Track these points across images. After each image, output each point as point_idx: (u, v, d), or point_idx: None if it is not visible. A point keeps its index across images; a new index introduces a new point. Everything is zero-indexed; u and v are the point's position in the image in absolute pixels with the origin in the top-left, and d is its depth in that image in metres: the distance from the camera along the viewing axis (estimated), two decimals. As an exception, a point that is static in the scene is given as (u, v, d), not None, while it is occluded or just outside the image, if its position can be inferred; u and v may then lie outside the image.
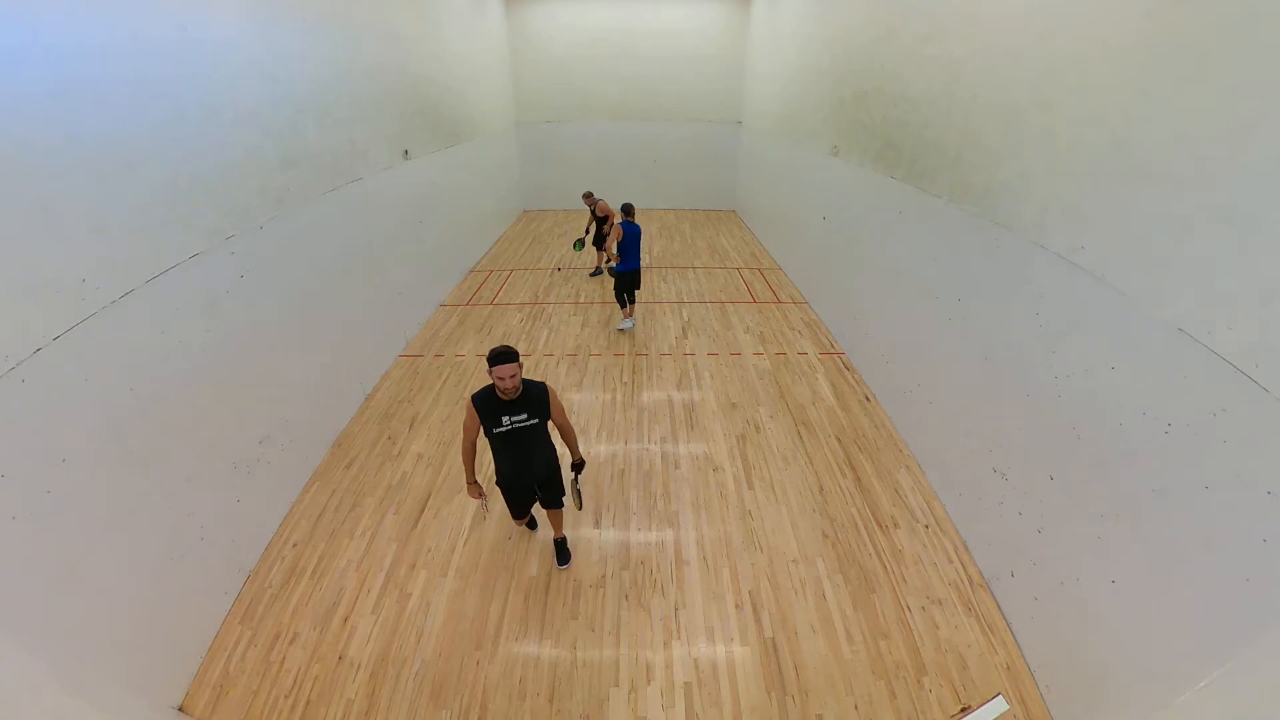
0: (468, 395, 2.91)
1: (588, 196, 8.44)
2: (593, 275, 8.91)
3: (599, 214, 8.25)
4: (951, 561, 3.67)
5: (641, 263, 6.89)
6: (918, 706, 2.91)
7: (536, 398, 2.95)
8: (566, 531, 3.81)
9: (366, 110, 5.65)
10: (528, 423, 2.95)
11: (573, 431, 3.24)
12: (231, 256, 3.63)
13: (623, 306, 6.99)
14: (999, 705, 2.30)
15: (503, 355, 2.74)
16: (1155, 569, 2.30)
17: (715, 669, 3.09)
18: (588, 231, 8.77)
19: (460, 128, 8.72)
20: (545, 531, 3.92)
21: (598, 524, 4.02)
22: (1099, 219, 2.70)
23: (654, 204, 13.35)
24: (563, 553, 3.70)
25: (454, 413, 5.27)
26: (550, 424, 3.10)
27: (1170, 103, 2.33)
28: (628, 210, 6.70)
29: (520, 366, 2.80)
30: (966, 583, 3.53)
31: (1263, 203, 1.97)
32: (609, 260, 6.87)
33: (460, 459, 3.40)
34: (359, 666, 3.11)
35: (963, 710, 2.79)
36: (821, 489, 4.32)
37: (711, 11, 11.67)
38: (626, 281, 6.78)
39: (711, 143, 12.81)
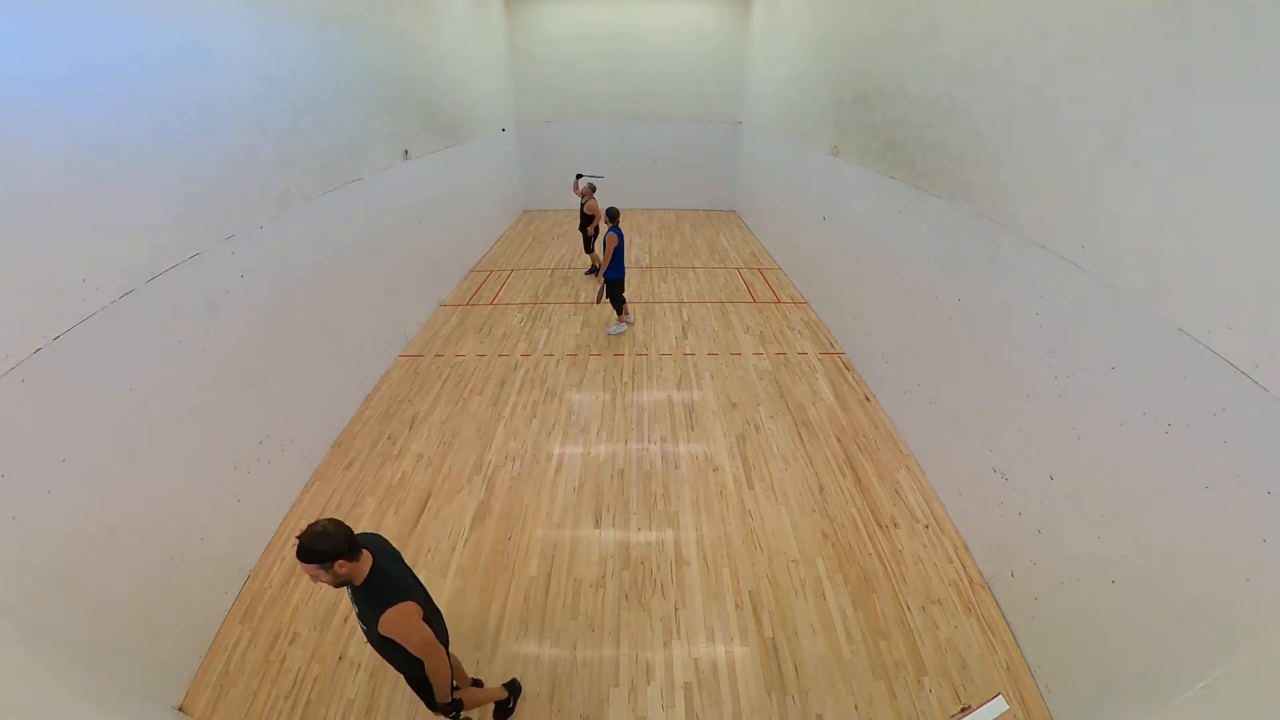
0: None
1: (584, 187, 8.22)
2: (588, 274, 8.92)
3: (588, 211, 8.22)
4: (951, 561, 3.67)
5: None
6: (918, 706, 2.91)
7: (376, 608, 1.98)
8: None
9: (366, 110, 5.64)
10: (363, 625, 2.08)
11: (439, 673, 2.13)
12: (231, 256, 3.63)
13: (619, 312, 6.94)
14: (999, 705, 2.29)
15: (300, 550, 1.82)
16: (1155, 569, 2.30)
17: (715, 669, 3.09)
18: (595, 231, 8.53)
19: (460, 128, 8.72)
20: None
21: (598, 524, 4.02)
22: (1099, 219, 2.70)
23: (654, 204, 13.35)
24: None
25: (454, 413, 5.28)
26: None
27: (1170, 102, 2.33)
28: (616, 215, 6.61)
29: (328, 568, 1.85)
30: (966, 583, 3.53)
31: (1262, 203, 1.97)
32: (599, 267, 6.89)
33: None
34: (359, 666, 3.11)
35: (963, 710, 2.79)
36: (821, 489, 4.32)
37: (711, 11, 11.66)
38: (621, 286, 6.74)
39: (711, 143, 12.81)
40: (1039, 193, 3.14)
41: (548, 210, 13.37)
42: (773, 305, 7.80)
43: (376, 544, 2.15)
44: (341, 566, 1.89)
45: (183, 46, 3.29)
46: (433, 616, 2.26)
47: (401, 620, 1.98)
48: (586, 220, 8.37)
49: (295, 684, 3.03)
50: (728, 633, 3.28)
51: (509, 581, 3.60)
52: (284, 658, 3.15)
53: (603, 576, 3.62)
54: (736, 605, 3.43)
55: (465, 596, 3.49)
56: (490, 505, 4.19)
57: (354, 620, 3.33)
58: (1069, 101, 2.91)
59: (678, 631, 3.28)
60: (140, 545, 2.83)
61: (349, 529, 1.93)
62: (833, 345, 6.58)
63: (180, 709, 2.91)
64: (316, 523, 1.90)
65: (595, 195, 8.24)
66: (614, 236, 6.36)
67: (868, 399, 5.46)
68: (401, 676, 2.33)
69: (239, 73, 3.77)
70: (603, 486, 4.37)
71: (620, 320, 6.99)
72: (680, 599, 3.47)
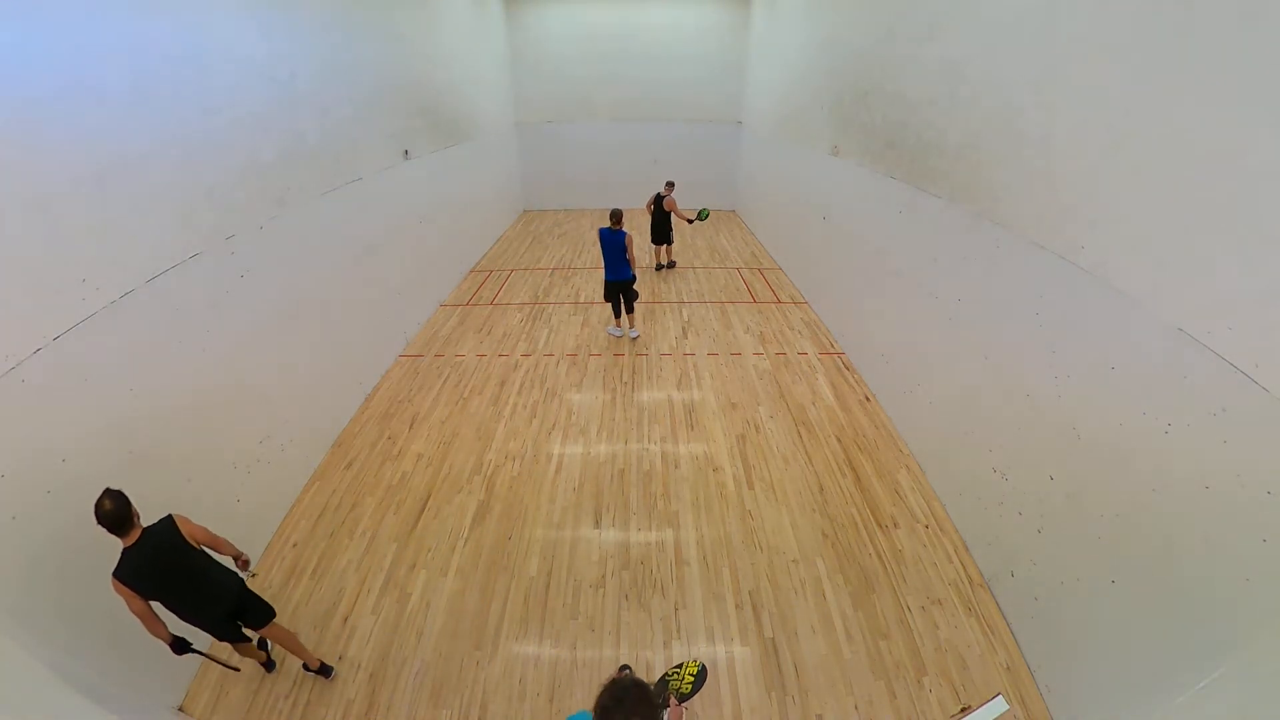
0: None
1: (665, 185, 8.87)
2: (659, 269, 9.23)
3: (665, 208, 8.64)
4: (951, 561, 3.67)
5: (631, 274, 6.39)
6: (918, 706, 2.91)
7: None
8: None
9: (366, 110, 5.64)
10: None
11: (148, 631, 2.45)
12: (231, 256, 3.63)
13: (615, 315, 6.76)
14: (999, 705, 2.29)
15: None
16: (1155, 569, 2.30)
17: (715, 669, 3.09)
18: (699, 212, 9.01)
19: (460, 128, 8.72)
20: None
21: (598, 524, 4.02)
22: (1099, 219, 2.70)
23: (654, 204, 13.35)
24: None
25: (454, 413, 5.28)
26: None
27: (1170, 102, 2.32)
28: (611, 217, 6.31)
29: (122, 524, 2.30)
30: (966, 583, 3.52)
31: (1263, 203, 1.97)
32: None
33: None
34: (359, 666, 3.11)
35: (963, 710, 2.79)
36: (821, 489, 4.32)
37: (711, 11, 11.66)
38: (608, 290, 6.52)
39: (711, 143, 12.80)
40: (1039, 193, 3.14)
41: (547, 210, 13.38)
42: (773, 305, 7.80)
43: (158, 535, 2.44)
44: (109, 533, 2.31)
45: (183, 47, 3.29)
46: (165, 591, 2.47)
47: (116, 590, 2.32)
48: (666, 216, 8.75)
49: (295, 684, 3.03)
50: (728, 633, 3.28)
51: (509, 581, 3.60)
52: (284, 658, 3.15)
53: (603, 576, 3.62)
54: (736, 605, 3.43)
55: (465, 596, 3.49)
56: (490, 505, 4.19)
57: (354, 620, 3.35)
58: (1069, 101, 2.91)
59: (678, 631, 3.28)
60: (140, 545, 2.82)
61: (120, 512, 2.29)
62: (833, 345, 6.58)
63: (180, 709, 2.91)
64: (105, 495, 2.29)
65: (674, 192, 8.76)
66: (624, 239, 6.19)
67: (868, 399, 5.46)
68: None
69: (239, 73, 3.77)
70: (603, 486, 4.37)
71: (617, 323, 6.86)
72: (680, 599, 3.47)
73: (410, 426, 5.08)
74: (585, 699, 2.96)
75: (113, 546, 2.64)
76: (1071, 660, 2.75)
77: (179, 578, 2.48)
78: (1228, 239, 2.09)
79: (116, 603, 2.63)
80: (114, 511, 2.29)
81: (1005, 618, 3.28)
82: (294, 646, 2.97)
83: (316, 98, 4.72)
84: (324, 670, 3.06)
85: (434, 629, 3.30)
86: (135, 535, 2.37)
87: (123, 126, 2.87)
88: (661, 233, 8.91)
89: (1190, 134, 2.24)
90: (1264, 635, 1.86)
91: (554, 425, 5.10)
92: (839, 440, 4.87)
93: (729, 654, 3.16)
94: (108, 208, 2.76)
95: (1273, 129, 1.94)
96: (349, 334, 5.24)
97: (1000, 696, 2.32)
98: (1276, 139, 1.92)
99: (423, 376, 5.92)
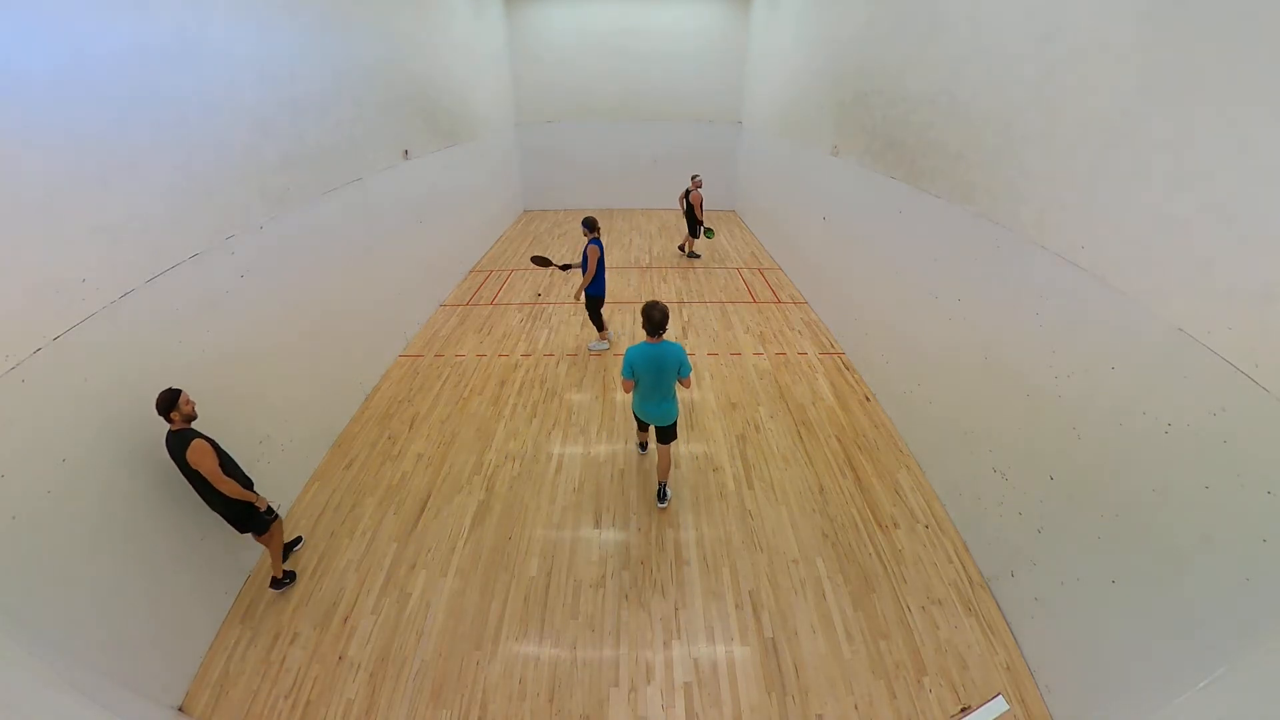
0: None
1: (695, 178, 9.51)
2: (690, 256, 9.91)
3: (692, 201, 9.30)
4: (951, 561, 3.67)
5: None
6: (918, 706, 2.91)
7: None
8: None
9: (366, 110, 5.64)
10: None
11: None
12: (231, 256, 3.63)
13: (600, 328, 6.50)
14: (999, 705, 2.29)
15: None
16: (1155, 569, 2.30)
17: (715, 669, 3.09)
18: (699, 222, 9.64)
19: (460, 128, 8.72)
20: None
21: (598, 524, 4.02)
22: (1099, 219, 2.70)
23: (654, 204, 13.33)
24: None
25: (454, 413, 5.28)
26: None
27: (1170, 102, 2.33)
28: (594, 225, 6.01)
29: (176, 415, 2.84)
30: (966, 583, 3.53)
31: (1263, 203, 1.97)
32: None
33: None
34: (359, 666, 3.11)
35: (963, 710, 2.79)
36: (821, 489, 4.32)
37: (711, 11, 11.66)
38: (598, 303, 6.31)
39: (711, 143, 12.80)
40: (1039, 193, 3.14)
41: (547, 210, 13.37)
42: (773, 305, 7.80)
43: (179, 442, 2.86)
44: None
45: (183, 47, 3.29)
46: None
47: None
48: (690, 207, 9.48)
49: (295, 684, 3.03)
50: (728, 633, 3.28)
51: (509, 581, 3.60)
52: (284, 658, 3.15)
53: (603, 576, 3.62)
54: (736, 605, 3.43)
55: (465, 596, 3.49)
56: (490, 505, 4.19)
57: (354, 620, 3.35)
58: (1069, 101, 2.91)
59: (678, 631, 3.28)
60: (140, 545, 2.83)
61: (160, 404, 2.80)
62: (833, 345, 6.58)
63: (180, 709, 2.91)
64: (163, 390, 2.83)
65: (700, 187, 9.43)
66: (595, 249, 5.84)
67: (868, 399, 5.46)
68: None
69: (239, 73, 3.77)
70: (603, 486, 4.37)
71: (602, 338, 6.57)
72: (680, 599, 3.47)
73: (410, 426, 5.08)
74: (585, 699, 2.96)
75: (109, 549, 2.68)
76: (1071, 660, 2.75)
77: (181, 474, 2.96)
78: (1228, 239, 2.09)
79: (116, 604, 2.66)
80: (158, 402, 2.81)
81: (1005, 618, 3.28)
82: (274, 557, 3.47)
83: (316, 97, 4.72)
84: (285, 579, 3.54)
85: (434, 629, 3.30)
86: (176, 426, 2.88)
87: (123, 126, 2.87)
88: (689, 224, 9.68)
89: (1190, 134, 2.24)
90: (1264, 635, 1.86)
91: (554, 425, 5.10)
92: (839, 440, 4.87)
93: (729, 654, 3.16)
94: (108, 208, 2.76)
95: (1272, 129, 1.94)
96: (349, 334, 5.24)
97: (1000, 696, 2.32)
98: (1276, 139, 1.93)
99: (423, 376, 5.92)
